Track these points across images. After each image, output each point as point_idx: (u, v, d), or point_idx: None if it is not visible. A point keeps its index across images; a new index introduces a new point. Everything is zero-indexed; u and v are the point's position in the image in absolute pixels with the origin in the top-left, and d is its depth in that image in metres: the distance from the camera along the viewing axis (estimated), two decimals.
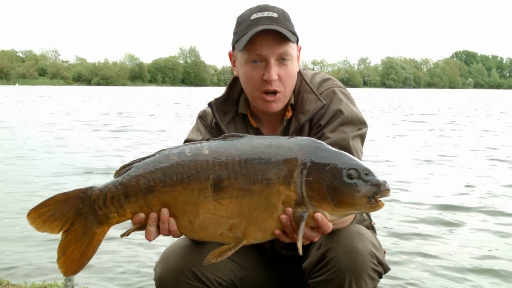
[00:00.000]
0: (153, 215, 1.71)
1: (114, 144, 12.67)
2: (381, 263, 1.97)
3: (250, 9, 2.10)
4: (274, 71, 2.01)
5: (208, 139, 2.03)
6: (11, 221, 5.72)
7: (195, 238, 1.84)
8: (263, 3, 2.12)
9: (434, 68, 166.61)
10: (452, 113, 28.02)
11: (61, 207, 1.72)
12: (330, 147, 1.72)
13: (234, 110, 2.24)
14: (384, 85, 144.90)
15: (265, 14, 2.03)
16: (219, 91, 2.30)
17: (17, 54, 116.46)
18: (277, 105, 2.08)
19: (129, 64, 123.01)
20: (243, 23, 2.06)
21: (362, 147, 2.13)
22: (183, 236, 1.80)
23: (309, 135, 2.13)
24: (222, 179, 1.65)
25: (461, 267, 4.49)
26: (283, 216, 1.64)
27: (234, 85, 2.25)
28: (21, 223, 5.47)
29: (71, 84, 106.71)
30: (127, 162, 1.77)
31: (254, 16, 2.04)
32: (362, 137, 2.13)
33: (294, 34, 2.06)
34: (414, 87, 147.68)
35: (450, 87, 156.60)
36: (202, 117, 2.30)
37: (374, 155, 10.58)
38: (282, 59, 2.02)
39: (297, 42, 2.11)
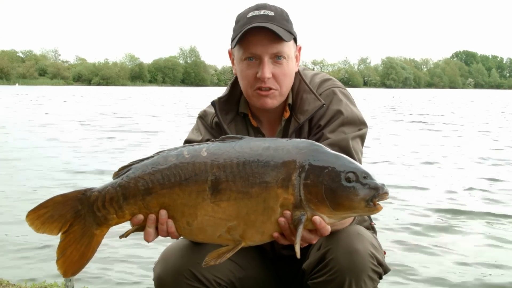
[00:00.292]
0: (152, 216, 1.71)
1: (107, 145, 12.59)
2: (381, 264, 1.97)
3: (250, 7, 2.10)
4: (268, 69, 2.01)
5: (208, 140, 2.06)
6: (12, 221, 5.72)
7: (193, 240, 1.85)
8: (263, 2, 2.12)
9: (434, 68, 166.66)
10: (453, 113, 28.01)
11: (60, 208, 1.72)
12: (328, 149, 1.71)
13: (235, 110, 2.24)
14: (384, 85, 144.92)
15: (261, 12, 2.04)
16: (219, 91, 2.29)
17: (17, 54, 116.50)
18: (272, 101, 2.07)
19: (129, 64, 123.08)
20: (240, 21, 2.06)
21: (362, 148, 2.12)
22: (182, 237, 1.80)
23: (308, 136, 2.13)
24: (220, 181, 1.65)
25: (462, 268, 4.49)
26: (281, 219, 1.64)
27: (235, 84, 2.25)
28: (21, 223, 5.46)
29: (71, 84, 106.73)
30: (125, 164, 1.77)
31: (250, 14, 2.04)
32: (362, 138, 2.12)
33: (291, 33, 2.05)
34: (414, 87, 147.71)
35: (450, 87, 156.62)
36: (202, 117, 2.30)
37: (375, 156, 10.57)
38: (276, 58, 2.02)
39: (295, 42, 2.11)
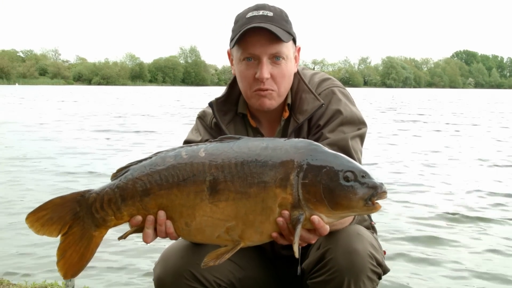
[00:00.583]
0: (150, 217, 1.71)
1: (105, 145, 12.54)
2: (380, 264, 1.96)
3: (249, 7, 2.09)
4: (266, 70, 2.00)
5: (207, 140, 2.05)
6: (12, 220, 5.72)
7: (192, 241, 1.85)
8: (262, 2, 2.11)
9: (435, 68, 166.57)
10: (454, 113, 28.00)
11: (59, 210, 1.73)
12: (326, 149, 1.71)
13: (234, 110, 2.23)
14: (384, 84, 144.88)
15: (260, 12, 2.03)
16: (219, 91, 2.29)
17: (18, 54, 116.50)
18: (270, 101, 2.07)
19: (130, 63, 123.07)
20: (239, 21, 2.06)
21: (361, 147, 2.12)
22: (181, 238, 1.80)
23: (308, 135, 2.12)
24: (219, 181, 1.65)
25: (462, 269, 4.49)
26: (280, 219, 1.64)
27: (234, 85, 2.24)
28: (21, 223, 5.46)
29: (72, 83, 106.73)
30: (123, 165, 1.77)
31: (249, 15, 2.03)
32: (361, 137, 2.12)
33: (290, 33, 2.04)
34: (414, 87, 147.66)
35: (451, 87, 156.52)
36: (201, 117, 2.30)
37: (375, 156, 10.58)
38: (275, 58, 2.01)
39: (294, 42, 2.10)
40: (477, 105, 39.44)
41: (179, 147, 1.78)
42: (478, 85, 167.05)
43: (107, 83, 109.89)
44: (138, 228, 1.75)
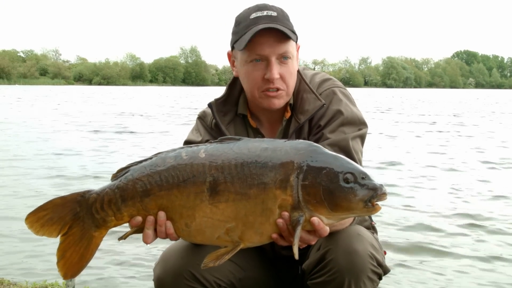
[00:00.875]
0: (150, 218, 1.71)
1: (101, 146, 12.40)
2: (380, 264, 1.96)
3: (249, 8, 2.08)
4: (276, 70, 2.01)
5: (207, 140, 2.07)
6: (12, 220, 5.73)
7: (192, 242, 1.85)
8: (262, 2, 2.11)
9: (435, 68, 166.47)
10: (455, 113, 27.98)
11: (59, 210, 1.73)
12: (326, 150, 1.71)
13: (234, 111, 2.23)
14: (385, 85, 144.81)
15: (264, 13, 2.03)
16: (220, 91, 2.30)
17: (18, 54, 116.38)
18: (279, 101, 2.08)
19: (130, 64, 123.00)
20: (242, 23, 2.05)
21: (362, 148, 2.12)
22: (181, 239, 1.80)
23: (308, 136, 2.13)
24: (219, 182, 1.65)
25: (463, 269, 4.50)
26: (280, 220, 1.64)
27: (234, 86, 2.25)
28: (21, 222, 5.47)
29: (72, 84, 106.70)
30: (124, 166, 1.77)
31: (253, 15, 2.03)
32: (362, 138, 2.12)
33: (294, 32, 2.05)
34: (415, 87, 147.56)
35: (451, 87, 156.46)
36: (201, 118, 2.30)
37: (375, 157, 10.57)
38: (283, 58, 2.02)
39: (296, 41, 2.11)
40: (477, 105, 39.39)
41: (179, 148, 1.78)
42: (478, 85, 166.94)
43: (108, 83, 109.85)
44: (138, 229, 1.74)
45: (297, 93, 2.16)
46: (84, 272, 1.76)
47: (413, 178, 8.61)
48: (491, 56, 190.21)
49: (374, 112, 27.06)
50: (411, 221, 5.96)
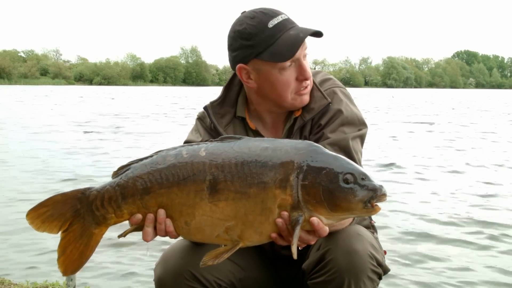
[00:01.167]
0: (150, 216, 1.72)
1: (97, 147, 12.36)
2: (380, 264, 1.96)
3: (253, 18, 2.01)
4: (308, 68, 2.05)
5: (207, 141, 2.01)
6: (12, 220, 5.74)
7: (191, 240, 1.85)
8: (262, 8, 2.07)
9: (436, 68, 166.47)
10: (455, 113, 27.99)
11: (59, 207, 1.74)
12: (327, 150, 1.71)
13: (232, 113, 2.23)
14: (385, 85, 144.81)
15: (280, 18, 2.00)
16: (220, 91, 2.30)
17: (19, 54, 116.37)
18: (308, 96, 2.11)
19: (131, 64, 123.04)
20: (262, 33, 1.97)
21: (361, 148, 2.13)
22: (181, 237, 1.80)
23: (309, 135, 2.13)
24: (219, 181, 1.66)
25: (463, 269, 4.50)
26: (279, 220, 1.64)
27: (230, 88, 2.24)
28: (22, 222, 5.48)
29: (73, 84, 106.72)
30: (124, 163, 1.79)
31: (271, 24, 1.98)
32: (362, 138, 2.12)
33: None
34: (415, 87, 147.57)
35: (451, 87, 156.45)
36: (201, 118, 2.29)
37: (380, 157, 10.58)
38: (304, 56, 2.05)
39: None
40: (478, 105, 39.38)
41: (180, 146, 1.78)
42: (479, 85, 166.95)
43: (108, 83, 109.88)
44: (138, 226, 1.75)
45: None
46: (84, 271, 1.77)
47: (413, 178, 8.63)
48: (491, 56, 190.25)
49: (374, 112, 27.05)
50: (412, 220, 5.98)
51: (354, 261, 1.86)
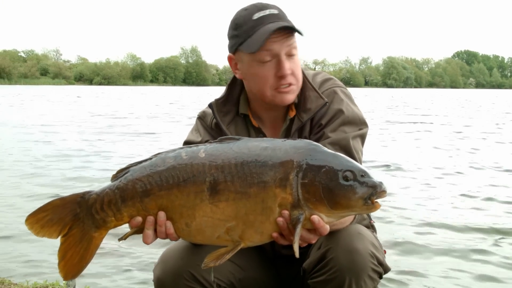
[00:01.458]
0: (150, 218, 1.71)
1: (94, 147, 12.19)
2: (381, 263, 1.97)
3: (246, 9, 2.07)
4: (288, 66, 2.02)
5: (207, 141, 2.06)
6: (12, 219, 5.74)
7: (192, 241, 1.84)
8: (258, 1, 2.09)
9: (436, 68, 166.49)
10: (455, 113, 27.96)
11: (58, 212, 1.73)
12: (326, 149, 1.71)
13: (235, 110, 2.23)
14: (385, 84, 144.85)
15: (267, 12, 2.02)
16: (220, 91, 2.30)
17: (19, 54, 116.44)
18: (292, 96, 2.08)
19: (131, 63, 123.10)
20: (245, 25, 2.03)
21: (362, 147, 2.13)
22: (181, 239, 1.80)
23: (310, 134, 2.14)
24: (219, 182, 1.66)
25: (463, 268, 4.50)
26: (280, 219, 1.64)
27: (233, 86, 2.25)
28: (22, 222, 5.47)
29: (73, 84, 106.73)
30: (123, 166, 1.78)
31: (256, 16, 2.01)
32: (362, 137, 2.13)
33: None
34: (415, 87, 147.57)
35: (452, 87, 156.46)
36: (201, 117, 2.30)
37: (376, 158, 10.57)
38: (290, 53, 2.03)
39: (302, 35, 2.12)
40: (480, 105, 39.34)
41: (179, 148, 1.78)
42: (479, 85, 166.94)
43: (108, 83, 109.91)
44: (138, 229, 1.74)
45: (300, 91, 2.16)
46: (84, 272, 1.76)
47: (413, 178, 8.62)
48: (491, 56, 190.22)
49: (373, 112, 27.05)
50: (411, 220, 5.97)
51: (355, 260, 1.86)
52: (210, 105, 2.23)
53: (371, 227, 2.23)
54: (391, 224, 5.78)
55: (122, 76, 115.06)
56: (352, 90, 2.28)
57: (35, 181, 8.04)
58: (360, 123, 2.13)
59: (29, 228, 1.72)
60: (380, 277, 1.99)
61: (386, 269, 2.03)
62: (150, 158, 1.76)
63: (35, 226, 1.71)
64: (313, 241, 1.73)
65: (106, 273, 4.36)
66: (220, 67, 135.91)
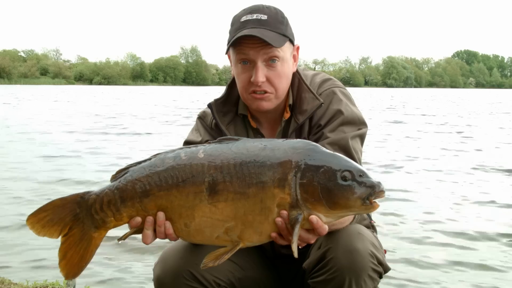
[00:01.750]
0: (150, 218, 1.72)
1: (89, 148, 12.08)
2: (381, 263, 1.96)
3: (244, 9, 2.09)
4: (261, 74, 2.01)
5: (207, 140, 2.06)
6: (12, 219, 5.74)
7: (191, 241, 1.84)
8: (258, 3, 2.10)
9: (436, 68, 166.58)
10: (455, 113, 27.96)
11: (59, 212, 1.74)
12: (324, 149, 1.71)
13: (234, 111, 2.23)
14: (385, 84, 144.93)
15: (254, 16, 2.03)
16: (220, 91, 2.30)
17: (19, 54, 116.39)
18: (267, 103, 2.08)
19: (131, 63, 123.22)
20: (234, 25, 2.06)
21: (361, 147, 2.13)
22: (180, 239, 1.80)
23: (308, 135, 2.13)
24: (218, 182, 1.66)
25: (462, 268, 4.51)
26: (278, 219, 1.64)
27: (233, 86, 2.24)
28: (21, 222, 5.48)
29: (73, 83, 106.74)
30: (123, 167, 1.79)
31: (243, 18, 2.04)
32: (361, 137, 2.12)
33: (285, 35, 2.04)
34: (415, 87, 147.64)
35: (451, 87, 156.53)
36: (201, 117, 2.30)
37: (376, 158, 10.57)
38: (270, 61, 2.02)
39: (292, 43, 2.10)
40: (480, 105, 39.32)
41: (178, 148, 1.78)
42: (479, 85, 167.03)
43: (108, 83, 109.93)
44: (138, 229, 1.75)
45: (296, 93, 2.16)
46: (85, 272, 1.78)
47: (413, 177, 8.62)
48: (491, 56, 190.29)
49: (371, 111, 27.05)
50: (411, 220, 5.98)
51: (355, 259, 1.86)
52: (209, 105, 2.22)
53: (371, 227, 2.23)
54: (391, 224, 5.78)
55: (122, 76, 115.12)
56: (352, 90, 2.29)
57: (33, 181, 8.02)
58: (359, 123, 2.12)
59: (30, 228, 1.74)
60: (380, 277, 1.99)
61: (386, 269, 2.03)
62: (149, 159, 1.76)
63: (36, 226, 1.73)
64: (312, 241, 1.72)
65: (105, 273, 4.36)
66: (220, 67, 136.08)
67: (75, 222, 1.75)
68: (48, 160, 10.25)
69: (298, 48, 2.17)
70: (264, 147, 1.69)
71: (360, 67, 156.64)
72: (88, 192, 1.76)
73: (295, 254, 1.62)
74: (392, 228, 5.64)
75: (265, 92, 2.04)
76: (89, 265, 1.78)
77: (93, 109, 26.77)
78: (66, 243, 1.75)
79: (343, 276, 1.86)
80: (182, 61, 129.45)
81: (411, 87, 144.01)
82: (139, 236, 1.76)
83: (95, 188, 1.78)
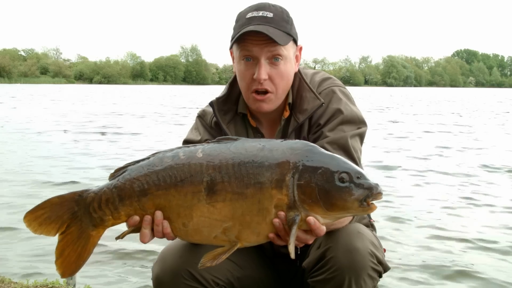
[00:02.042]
0: (148, 217, 1.71)
1: (88, 148, 12.00)
2: (380, 262, 1.96)
3: (250, 6, 2.09)
4: (264, 71, 2.01)
5: (206, 139, 2.07)
6: (13, 220, 5.74)
7: (189, 241, 1.85)
8: (264, 1, 2.10)
9: (435, 67, 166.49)
10: (454, 112, 27.93)
11: (56, 209, 1.73)
12: (323, 150, 1.71)
13: (234, 109, 2.23)
14: (385, 83, 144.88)
15: (260, 13, 2.03)
16: (220, 90, 2.30)
17: (19, 53, 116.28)
18: (268, 105, 2.08)
19: (131, 62, 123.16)
20: (239, 21, 2.06)
21: (361, 146, 2.13)
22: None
23: (308, 134, 2.13)
24: (216, 182, 1.66)
25: (462, 268, 4.51)
26: (276, 220, 1.64)
27: (234, 84, 2.24)
28: (21, 222, 5.47)
29: (73, 82, 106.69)
30: (121, 165, 1.78)
31: (249, 15, 2.03)
32: (361, 136, 2.12)
33: (290, 34, 2.04)
34: (415, 86, 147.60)
35: (451, 86, 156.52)
36: (201, 116, 2.29)
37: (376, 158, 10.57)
38: (274, 59, 2.02)
39: (295, 43, 2.10)
40: (481, 104, 39.29)
41: (177, 147, 1.78)
42: (479, 84, 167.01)
43: (108, 82, 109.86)
44: (136, 228, 1.75)
45: (296, 92, 2.16)
46: (84, 271, 1.78)
47: (412, 178, 8.62)
48: (491, 55, 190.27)
49: (370, 111, 27.03)
50: (411, 220, 5.98)
51: (354, 259, 1.86)
52: (211, 104, 2.22)
53: (370, 226, 2.23)
54: (391, 223, 5.78)
55: (122, 75, 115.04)
56: (352, 89, 2.28)
57: (32, 181, 8.00)
58: (358, 122, 2.12)
59: (27, 226, 1.73)
60: (380, 276, 1.99)
61: (386, 268, 2.03)
62: (148, 158, 1.76)
63: (33, 224, 1.72)
64: (310, 242, 1.73)
65: (105, 272, 4.36)
66: (220, 66, 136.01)
67: (73, 220, 1.74)
68: (45, 159, 10.23)
69: (301, 48, 2.17)
70: (262, 147, 1.69)
71: (360, 66, 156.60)
72: (86, 190, 1.76)
73: (292, 255, 1.62)
74: (392, 228, 5.63)
75: (266, 91, 2.04)
76: (87, 264, 1.76)
77: (92, 109, 26.71)
78: (63, 241, 1.74)
79: (342, 275, 1.86)
80: (182, 60, 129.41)
81: (411, 86, 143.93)
82: (137, 235, 1.76)
83: (93, 187, 1.78)
